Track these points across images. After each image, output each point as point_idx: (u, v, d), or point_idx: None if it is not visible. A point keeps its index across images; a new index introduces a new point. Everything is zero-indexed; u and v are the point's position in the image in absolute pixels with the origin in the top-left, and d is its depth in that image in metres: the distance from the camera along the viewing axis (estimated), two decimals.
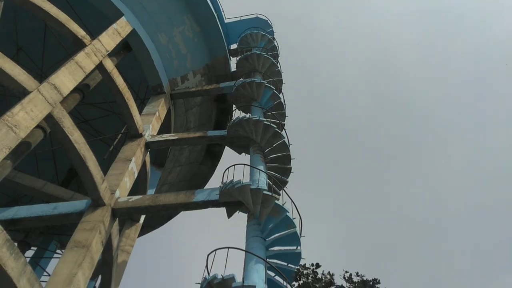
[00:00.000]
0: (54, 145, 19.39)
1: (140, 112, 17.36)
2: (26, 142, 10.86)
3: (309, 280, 10.74)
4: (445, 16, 62.73)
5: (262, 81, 19.31)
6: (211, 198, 12.33)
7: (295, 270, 11.00)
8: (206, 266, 9.88)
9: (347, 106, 67.36)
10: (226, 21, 25.57)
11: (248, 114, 18.05)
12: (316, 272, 11.03)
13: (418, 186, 60.34)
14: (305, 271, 11.08)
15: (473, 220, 55.90)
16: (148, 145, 16.25)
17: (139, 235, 20.90)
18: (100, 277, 14.21)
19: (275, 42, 26.14)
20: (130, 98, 15.62)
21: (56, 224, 16.86)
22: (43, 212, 12.69)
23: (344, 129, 66.21)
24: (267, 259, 10.40)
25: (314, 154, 62.43)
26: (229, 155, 29.11)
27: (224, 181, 12.47)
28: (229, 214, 12.40)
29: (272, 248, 11.19)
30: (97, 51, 14.01)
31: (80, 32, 13.81)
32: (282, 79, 23.02)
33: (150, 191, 17.97)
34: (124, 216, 14.75)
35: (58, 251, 23.58)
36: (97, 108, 20.64)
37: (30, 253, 21.49)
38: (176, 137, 16.73)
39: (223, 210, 12.43)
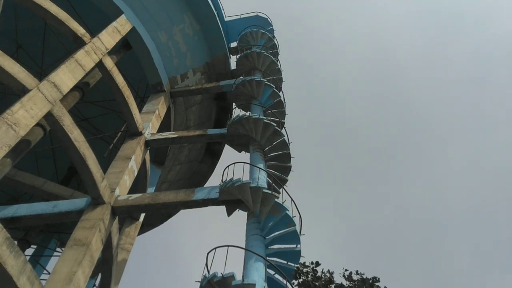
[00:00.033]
0: (54, 143, 19.40)
1: (140, 110, 17.35)
2: (26, 140, 10.88)
3: (309, 278, 10.72)
4: (445, 16, 62.75)
5: (262, 79, 19.30)
6: (211, 196, 12.34)
7: (295, 268, 10.98)
8: (206, 264, 9.88)
9: (347, 105, 67.42)
10: (226, 19, 25.55)
11: (248, 112, 18.03)
12: (316, 270, 10.99)
13: (417, 185, 60.38)
14: (304, 269, 11.04)
15: (473, 219, 55.98)
16: (148, 143, 16.25)
17: (139, 233, 20.92)
18: (100, 275, 14.23)
19: (275, 40, 26.12)
20: (130, 96, 15.61)
21: (56, 222, 16.85)
22: (43, 210, 12.71)
23: (344, 128, 66.25)
24: (267, 257, 10.41)
25: (314, 152, 62.44)
26: (229, 154, 29.09)
27: (224, 180, 12.49)
28: (229, 213, 12.40)
29: (272, 246, 11.20)
30: (97, 49, 14.00)
31: (80, 30, 13.80)
32: (282, 77, 22.99)
33: (150, 189, 17.98)
34: (124, 214, 14.75)
35: (58, 249, 23.59)
36: (97, 106, 20.64)
37: (30, 251, 21.52)
38: (176, 135, 16.73)
39: (223, 209, 12.44)
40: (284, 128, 17.04)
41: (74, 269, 9.97)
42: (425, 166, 60.96)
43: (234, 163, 13.33)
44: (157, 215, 24.89)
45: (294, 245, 11.25)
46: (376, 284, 10.94)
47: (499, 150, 55.71)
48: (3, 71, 9.95)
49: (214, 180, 27.32)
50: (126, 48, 17.96)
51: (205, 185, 25.71)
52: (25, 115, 9.69)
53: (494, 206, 53.99)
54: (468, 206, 56.48)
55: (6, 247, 7.67)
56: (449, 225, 56.48)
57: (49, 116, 10.65)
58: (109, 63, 14.76)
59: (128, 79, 16.97)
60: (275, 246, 11.26)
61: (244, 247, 10.47)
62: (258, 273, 9.42)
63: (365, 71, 66.82)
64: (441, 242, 54.54)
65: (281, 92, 20.30)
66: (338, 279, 11.09)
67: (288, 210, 11.40)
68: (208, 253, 10.13)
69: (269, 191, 11.44)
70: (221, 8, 24.00)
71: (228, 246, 9.97)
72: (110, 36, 15.12)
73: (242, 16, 26.71)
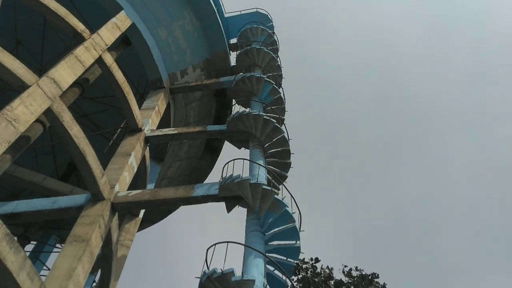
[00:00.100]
0: (54, 140, 19.40)
1: (140, 107, 17.34)
2: (25, 136, 10.86)
3: (308, 274, 10.77)
4: (445, 11, 62.61)
5: (262, 75, 19.26)
6: (211, 192, 12.35)
7: (294, 265, 11.02)
8: (206, 260, 9.90)
9: (347, 101, 67.35)
10: (226, 15, 25.52)
11: (248, 108, 18.04)
12: (315, 266, 11.05)
13: (417, 180, 60.43)
14: (304, 266, 11.09)
15: (472, 215, 56.06)
16: (147, 140, 16.25)
17: (139, 230, 20.93)
18: (99, 271, 14.26)
19: (275, 36, 26.07)
20: (130, 93, 15.60)
21: (56, 218, 16.89)
22: (43, 207, 12.72)
23: (344, 124, 66.21)
24: (267, 254, 10.42)
25: (314, 149, 62.45)
26: (228, 150, 29.11)
27: (224, 176, 12.48)
28: (229, 209, 12.42)
29: (271, 243, 11.22)
30: (97, 45, 13.98)
31: (79, 26, 13.78)
32: (282, 74, 22.97)
33: (150, 186, 18.00)
34: (124, 211, 14.78)
35: (57, 245, 23.65)
36: (96, 102, 20.62)
37: (29, 247, 21.56)
38: (175, 132, 16.73)
39: (222, 205, 12.46)
40: (284, 124, 17.05)
41: (74, 265, 9.99)
42: (425, 161, 61.00)
43: (233, 160, 13.33)
44: (157, 211, 24.92)
45: (294, 242, 11.25)
46: (375, 280, 10.98)
47: (500, 145, 55.79)
48: (2, 67, 9.93)
49: (214, 177, 27.39)
50: (125, 44, 17.93)
51: (205, 182, 25.74)
52: (25, 111, 9.68)
53: (494, 201, 54.08)
54: (468, 200, 56.56)
55: (6, 243, 7.67)
56: (449, 220, 56.59)
57: (48, 112, 10.64)
58: (109, 59, 14.75)
59: (128, 75, 16.95)
60: (275, 242, 11.27)
61: (243, 243, 10.47)
62: (258, 269, 9.43)
63: (365, 66, 66.77)
64: (441, 238, 54.66)
65: (281, 88, 20.27)
66: (338, 275, 11.14)
67: (288, 207, 11.40)
68: (207, 249, 10.14)
69: (269, 188, 11.44)
70: (221, 4, 23.95)
71: (227, 242, 9.98)
72: (109, 32, 15.09)
73: (242, 12, 26.67)
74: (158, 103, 17.98)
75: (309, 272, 10.90)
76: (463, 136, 60.17)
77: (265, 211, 11.45)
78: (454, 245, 53.31)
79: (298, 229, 11.29)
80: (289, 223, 11.30)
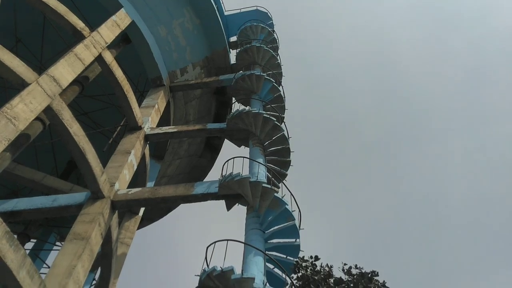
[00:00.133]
0: (54, 138, 19.38)
1: (140, 105, 17.34)
2: (25, 134, 10.88)
3: (308, 272, 10.76)
4: (444, 9, 62.55)
5: (261, 73, 19.26)
6: (211, 190, 12.36)
7: (294, 263, 11.02)
8: (206, 258, 9.90)
9: (346, 99, 67.34)
10: (225, 13, 25.46)
11: (248, 107, 18.03)
12: (315, 264, 11.03)
13: (417, 179, 60.45)
14: (304, 264, 11.07)
15: (473, 213, 56.10)
16: (147, 138, 16.25)
17: (139, 228, 20.95)
18: (99, 269, 14.27)
19: (274, 34, 26.04)
20: (130, 91, 15.60)
21: (56, 216, 16.91)
22: (43, 204, 12.73)
23: (344, 122, 66.18)
24: (266, 252, 10.43)
25: (314, 147, 62.44)
26: (228, 148, 29.08)
27: (224, 174, 12.49)
28: (229, 207, 12.43)
29: (271, 241, 11.23)
30: (96, 43, 13.97)
31: (79, 24, 13.76)
32: (281, 72, 22.96)
33: (150, 184, 17.99)
34: (124, 209, 14.77)
35: (57, 243, 23.64)
36: (96, 100, 20.62)
37: (29, 245, 21.55)
38: (175, 130, 16.73)
39: (222, 203, 12.46)
40: (284, 122, 17.04)
41: (74, 263, 10.00)
42: (425, 159, 61.00)
43: (233, 158, 13.33)
44: (157, 209, 24.93)
45: (293, 239, 11.28)
46: (375, 278, 10.98)
47: (500, 143, 55.81)
48: (2, 65, 9.93)
49: (214, 175, 27.40)
50: (125, 42, 17.91)
51: (205, 180, 25.73)
52: (25, 109, 9.68)
53: (494, 198, 54.11)
54: (468, 198, 56.60)
55: (6, 241, 7.69)
56: (449, 218, 56.63)
57: (48, 110, 10.64)
58: (109, 57, 14.73)
59: (128, 73, 16.94)
60: (274, 240, 11.29)
61: (243, 241, 10.49)
62: (258, 267, 9.44)
63: (364, 64, 66.74)
64: (441, 236, 54.70)
65: (280, 86, 20.26)
66: (337, 273, 11.13)
67: (288, 205, 11.42)
68: (207, 247, 10.15)
69: (269, 186, 11.46)
70: (221, 2, 23.90)
71: (227, 240, 9.99)
72: (109, 30, 15.08)
73: (242, 10, 26.63)
74: (158, 101, 17.97)
75: (308, 270, 10.89)
76: (463, 134, 60.20)
77: (265, 209, 11.46)
78: (454, 243, 53.38)
79: (297, 227, 11.31)
80: (289, 221, 11.32)
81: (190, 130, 16.92)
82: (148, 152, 17.01)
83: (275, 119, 15.71)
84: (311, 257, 11.54)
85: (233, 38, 26.36)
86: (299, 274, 10.93)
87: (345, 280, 10.77)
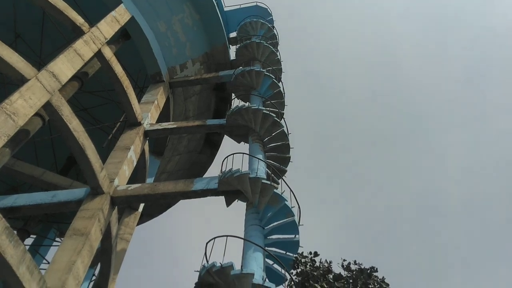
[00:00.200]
0: (53, 133, 19.37)
1: (139, 101, 17.31)
2: (24, 130, 10.85)
3: (307, 268, 10.80)
4: (444, 7, 62.47)
5: (261, 69, 19.22)
6: (210, 186, 12.36)
7: (293, 258, 11.05)
8: (205, 254, 9.92)
9: (346, 96, 67.30)
10: (225, 9, 25.44)
11: (247, 103, 18.01)
12: (314, 260, 11.07)
13: (416, 176, 60.51)
14: (303, 260, 11.11)
15: (471, 210, 56.19)
16: (147, 134, 16.24)
17: (138, 224, 20.97)
18: (99, 265, 14.29)
19: (274, 30, 25.99)
20: (129, 86, 15.57)
21: (55, 212, 16.91)
22: (42, 200, 12.72)
23: (344, 118, 66.21)
24: (266, 247, 10.45)
25: (313, 143, 62.49)
26: (228, 144, 29.14)
27: (223, 170, 12.49)
28: (228, 203, 12.43)
29: (270, 237, 11.25)
30: (96, 38, 13.93)
31: (78, 19, 13.72)
32: (281, 68, 22.92)
33: (149, 180, 17.99)
34: (123, 204, 14.79)
35: (57, 239, 23.68)
36: (96, 96, 20.58)
37: (29, 241, 21.57)
38: (175, 126, 16.71)
39: (222, 199, 12.47)
40: (284, 118, 17.03)
41: (73, 258, 10.01)
42: (424, 157, 61.08)
43: (233, 154, 13.33)
44: (156, 205, 24.95)
45: (293, 235, 11.28)
46: (374, 274, 11.02)
47: (499, 141, 55.83)
48: (1, 61, 9.90)
49: (213, 171, 27.39)
50: (125, 38, 17.87)
51: (204, 176, 25.77)
52: (24, 104, 9.66)
53: (492, 196, 54.20)
54: (466, 196, 56.69)
55: (6, 237, 7.69)
56: (448, 215, 56.73)
57: (47, 105, 10.62)
58: (108, 53, 14.70)
59: (127, 69, 16.92)
60: (274, 236, 11.31)
61: (243, 237, 10.50)
62: (257, 263, 9.46)
63: (364, 61, 66.68)
64: (440, 233, 54.81)
65: (280, 82, 20.25)
66: (337, 269, 11.17)
67: (287, 201, 11.43)
68: (207, 243, 10.17)
69: (268, 182, 11.45)
70: None
71: (227, 236, 10.00)
72: (109, 26, 15.03)
73: (242, 6, 26.61)
74: (158, 97, 17.95)
75: (308, 266, 10.93)
76: (462, 132, 60.20)
77: (264, 205, 11.47)
78: (453, 239, 53.49)
79: (297, 223, 11.32)
80: (288, 217, 11.33)
81: (190, 126, 16.90)
82: (148, 148, 17.00)
83: (274, 115, 15.69)
84: (311, 253, 11.58)
85: (233, 34, 26.33)
86: (299, 270, 10.97)
87: (344, 276, 10.81)
